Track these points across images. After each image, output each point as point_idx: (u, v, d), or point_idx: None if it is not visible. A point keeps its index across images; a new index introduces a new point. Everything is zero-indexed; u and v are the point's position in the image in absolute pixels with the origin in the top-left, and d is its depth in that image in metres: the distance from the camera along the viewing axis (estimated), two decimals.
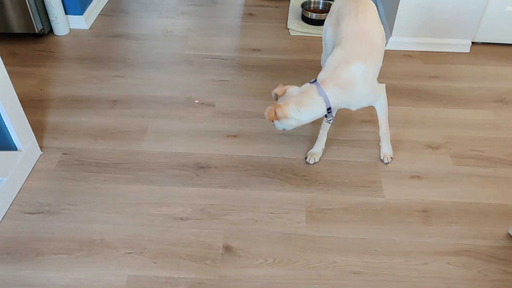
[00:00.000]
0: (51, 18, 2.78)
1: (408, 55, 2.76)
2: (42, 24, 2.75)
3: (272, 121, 1.76)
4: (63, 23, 2.84)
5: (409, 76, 2.57)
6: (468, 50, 2.79)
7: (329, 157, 2.06)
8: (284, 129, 1.80)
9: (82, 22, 2.92)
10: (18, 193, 1.85)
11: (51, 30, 2.86)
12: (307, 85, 1.75)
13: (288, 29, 2.99)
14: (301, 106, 1.70)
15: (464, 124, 2.25)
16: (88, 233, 1.71)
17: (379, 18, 1.85)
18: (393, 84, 2.49)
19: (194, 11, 3.22)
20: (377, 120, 1.96)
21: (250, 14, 3.19)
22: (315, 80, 1.74)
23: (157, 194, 1.87)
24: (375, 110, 1.93)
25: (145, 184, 1.91)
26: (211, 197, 1.86)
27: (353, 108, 1.81)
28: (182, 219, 1.77)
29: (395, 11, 2.69)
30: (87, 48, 2.78)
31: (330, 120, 1.86)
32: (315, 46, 2.83)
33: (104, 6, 3.22)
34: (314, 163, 2.01)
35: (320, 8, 3.15)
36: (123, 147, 2.08)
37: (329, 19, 1.96)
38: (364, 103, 1.83)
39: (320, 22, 3.00)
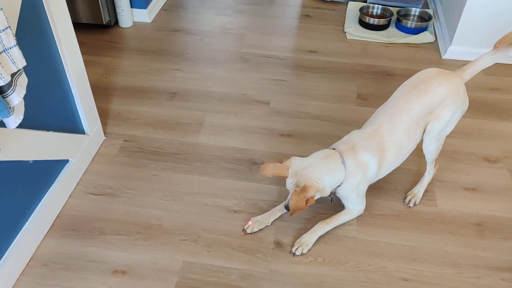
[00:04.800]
0: (118, 10, 2.91)
1: None
2: (109, 16, 2.88)
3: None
4: (128, 16, 2.96)
5: (468, 87, 2.48)
6: None
7: None
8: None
9: (145, 15, 3.04)
10: (83, 174, 1.96)
11: (116, 22, 3.00)
12: (328, 150, 1.61)
13: (345, 32, 3.00)
14: (329, 172, 1.55)
15: None
16: (147, 218, 1.79)
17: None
18: None
19: (251, 10, 3.28)
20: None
21: (307, 16, 3.21)
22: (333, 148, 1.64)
23: (212, 186, 1.93)
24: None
25: (201, 175, 1.98)
26: (264, 193, 1.90)
27: (340, 195, 1.70)
28: (235, 211, 1.83)
29: (457, 19, 2.64)
30: (149, 41, 2.89)
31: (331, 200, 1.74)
32: (371, 51, 2.82)
33: (166, 1, 3.33)
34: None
35: (379, 13, 3.13)
36: (181, 138, 2.16)
37: None
38: (345, 196, 1.70)
39: (377, 27, 2.99)
